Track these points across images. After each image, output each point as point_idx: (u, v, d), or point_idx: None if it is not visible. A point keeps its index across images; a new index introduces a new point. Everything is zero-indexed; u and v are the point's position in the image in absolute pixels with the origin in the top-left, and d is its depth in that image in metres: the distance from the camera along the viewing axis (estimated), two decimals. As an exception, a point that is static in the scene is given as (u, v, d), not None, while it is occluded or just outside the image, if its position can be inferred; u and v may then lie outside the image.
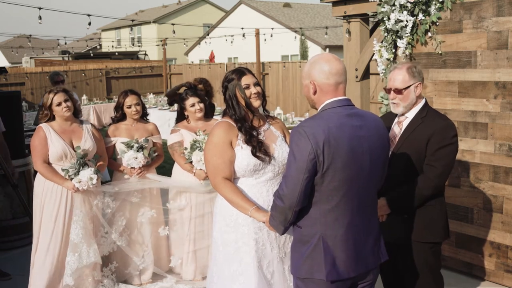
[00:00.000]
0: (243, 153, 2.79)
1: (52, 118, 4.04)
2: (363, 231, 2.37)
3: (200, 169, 4.16)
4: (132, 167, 4.29)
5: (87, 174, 3.87)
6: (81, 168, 3.90)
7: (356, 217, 2.33)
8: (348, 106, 2.36)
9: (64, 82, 7.22)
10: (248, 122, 2.87)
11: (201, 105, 4.41)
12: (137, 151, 4.26)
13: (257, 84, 2.90)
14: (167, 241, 4.54)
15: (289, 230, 2.49)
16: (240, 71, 2.90)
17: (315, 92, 2.38)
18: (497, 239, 4.23)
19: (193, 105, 4.38)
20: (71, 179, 3.89)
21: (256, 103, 2.88)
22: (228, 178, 2.80)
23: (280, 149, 2.88)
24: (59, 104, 3.98)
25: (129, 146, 4.28)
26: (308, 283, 2.36)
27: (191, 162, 4.22)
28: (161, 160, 4.58)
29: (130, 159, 4.24)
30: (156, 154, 4.46)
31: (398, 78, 3.07)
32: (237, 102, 2.86)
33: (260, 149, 2.79)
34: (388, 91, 3.13)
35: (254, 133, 2.85)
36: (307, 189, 2.26)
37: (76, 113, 4.16)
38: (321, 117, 2.31)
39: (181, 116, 4.54)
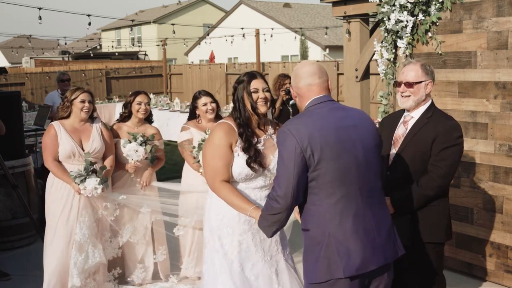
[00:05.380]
0: (238, 160, 2.79)
1: (69, 114, 4.05)
2: (372, 221, 2.35)
3: None
4: (132, 159, 4.25)
5: (93, 184, 3.88)
6: (88, 176, 3.91)
7: (362, 207, 2.33)
8: (329, 102, 2.44)
9: (70, 80, 7.28)
10: (250, 128, 2.85)
11: (213, 105, 4.37)
12: (140, 144, 4.24)
13: (267, 90, 2.88)
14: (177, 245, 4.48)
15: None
16: (252, 74, 2.89)
17: (296, 97, 2.56)
18: (497, 239, 4.23)
19: (205, 104, 4.35)
20: (78, 184, 3.91)
21: (262, 108, 2.85)
22: (227, 181, 2.80)
23: (276, 161, 2.85)
24: (82, 101, 4.01)
25: (134, 137, 4.26)
26: (328, 286, 2.29)
27: (198, 161, 4.20)
28: (162, 164, 4.57)
29: (131, 150, 4.21)
30: (158, 153, 4.43)
31: (411, 72, 3.08)
32: (243, 105, 2.84)
33: (255, 160, 2.78)
34: (398, 84, 3.14)
35: (254, 141, 2.83)
36: (300, 186, 2.28)
37: (90, 116, 4.17)
38: (303, 115, 2.42)
39: (193, 115, 4.51)
